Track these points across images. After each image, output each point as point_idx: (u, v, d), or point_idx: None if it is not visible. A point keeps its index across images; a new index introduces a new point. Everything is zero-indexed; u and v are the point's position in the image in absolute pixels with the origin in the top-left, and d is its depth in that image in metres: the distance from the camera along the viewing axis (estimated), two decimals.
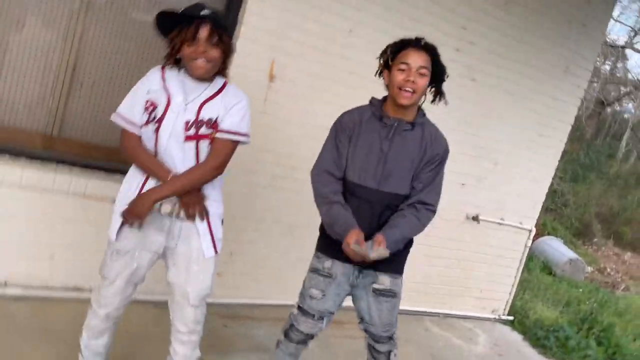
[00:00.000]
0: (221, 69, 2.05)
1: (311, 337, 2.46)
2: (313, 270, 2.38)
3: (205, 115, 1.99)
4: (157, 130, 1.97)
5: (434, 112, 2.34)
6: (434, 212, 2.28)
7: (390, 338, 2.42)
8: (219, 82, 2.06)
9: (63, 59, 2.98)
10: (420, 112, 2.26)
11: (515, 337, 4.72)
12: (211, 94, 2.03)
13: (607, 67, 21.81)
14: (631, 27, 19.08)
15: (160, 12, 1.98)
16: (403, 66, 2.13)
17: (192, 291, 2.13)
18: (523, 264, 4.92)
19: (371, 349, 2.46)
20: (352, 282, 2.34)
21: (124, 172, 3.12)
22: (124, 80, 3.14)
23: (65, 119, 3.08)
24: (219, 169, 2.05)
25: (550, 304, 5.94)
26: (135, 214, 1.97)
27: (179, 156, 2.00)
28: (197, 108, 1.99)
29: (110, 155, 3.18)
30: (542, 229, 11.82)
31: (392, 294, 2.34)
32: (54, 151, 3.04)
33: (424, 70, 2.13)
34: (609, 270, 13.52)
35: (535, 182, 4.78)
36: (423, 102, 2.27)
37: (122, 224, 2.05)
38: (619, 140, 25.74)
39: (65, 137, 3.09)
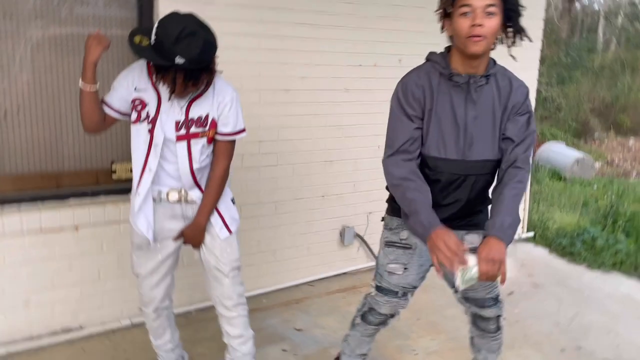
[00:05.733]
0: None
1: (392, 316, 2.19)
2: (389, 243, 2.09)
3: (194, 114, 2.01)
4: (151, 130, 2.00)
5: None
6: (529, 171, 1.94)
7: (496, 300, 2.11)
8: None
9: None
10: (490, 61, 1.90)
11: (540, 252, 4.49)
12: (199, 92, 2.01)
13: None
14: None
15: (130, 41, 1.88)
16: (465, 9, 1.75)
17: (225, 263, 2.20)
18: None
19: (476, 318, 2.17)
20: None
21: (79, 195, 2.89)
22: (56, 99, 2.82)
23: (0, 156, 2.77)
24: (229, 168, 2.15)
25: (567, 209, 5.69)
26: (196, 244, 2.18)
27: (173, 156, 2.05)
28: (185, 107, 2.00)
29: (59, 181, 2.90)
30: (541, 138, 11.57)
31: None
32: None
33: (492, 9, 1.74)
34: (617, 161, 13.39)
35: None
36: (495, 47, 1.88)
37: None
38: (595, 32, 25.35)
39: (6, 175, 2.79)
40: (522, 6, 1.83)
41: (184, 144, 2.03)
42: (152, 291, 2.25)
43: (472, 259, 1.75)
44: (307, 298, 3.46)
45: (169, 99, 1.97)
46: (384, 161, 1.94)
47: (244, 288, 2.32)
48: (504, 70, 1.94)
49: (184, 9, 1.95)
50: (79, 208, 2.83)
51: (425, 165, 1.93)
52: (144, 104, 2.00)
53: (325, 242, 3.73)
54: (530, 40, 1.88)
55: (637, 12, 25.80)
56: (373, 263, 2.17)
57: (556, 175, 7.99)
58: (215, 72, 1.98)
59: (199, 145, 2.06)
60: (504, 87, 1.90)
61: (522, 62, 4.59)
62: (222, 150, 2.12)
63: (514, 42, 1.86)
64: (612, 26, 25.43)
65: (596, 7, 26.60)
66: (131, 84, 2.01)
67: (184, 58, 1.82)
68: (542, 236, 4.67)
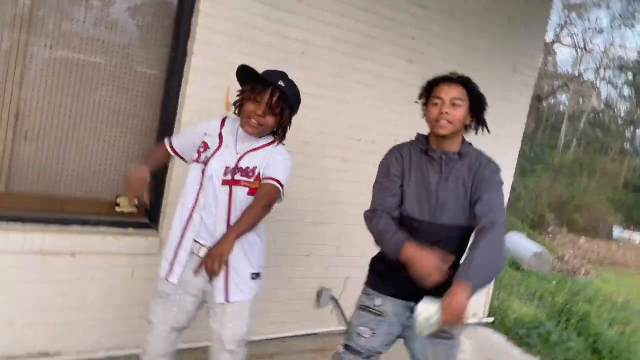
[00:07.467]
0: (273, 130, 2.24)
1: None
2: (362, 307, 2.30)
3: (243, 163, 2.15)
4: (203, 170, 2.15)
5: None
6: (503, 225, 2.04)
7: None
8: (268, 137, 2.24)
9: (3, 108, 2.77)
10: (465, 142, 2.25)
11: (499, 338, 4.71)
12: (257, 146, 2.20)
13: (539, 63, 22.93)
14: (557, 23, 20.06)
15: (243, 65, 2.16)
16: (436, 100, 2.17)
17: (227, 335, 2.22)
18: None
19: None
20: (404, 322, 2.25)
21: (82, 222, 2.98)
22: (71, 126, 2.96)
23: (12, 173, 2.86)
24: (268, 208, 2.11)
25: (525, 300, 5.99)
26: (218, 263, 1.98)
27: (214, 198, 2.14)
28: (239, 156, 2.17)
29: (64, 206, 2.98)
30: None
31: (449, 336, 2.20)
32: (3, 208, 2.81)
33: (457, 101, 2.14)
34: (567, 257, 13.91)
35: None
36: (464, 131, 2.25)
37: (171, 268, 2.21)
38: (557, 131, 26.86)
39: (14, 192, 2.87)
40: (485, 103, 2.22)
41: (226, 189, 2.13)
42: (156, 343, 2.27)
43: (434, 306, 1.84)
44: (279, 354, 3.54)
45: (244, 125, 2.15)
46: (365, 212, 2.23)
47: None
48: (480, 152, 2.26)
49: None
50: (80, 235, 2.90)
51: (403, 224, 2.17)
52: (206, 147, 2.20)
53: (302, 301, 3.85)
54: (489, 132, 2.26)
55: (598, 120, 27.53)
56: (343, 327, 2.35)
57: (514, 265, 8.36)
58: (287, 129, 2.24)
59: (241, 195, 2.13)
60: (475, 163, 2.20)
61: (504, 156, 4.97)
62: (262, 190, 2.10)
63: (476, 130, 2.25)
64: (574, 128, 27.01)
65: (561, 108, 28.32)
66: (203, 131, 2.26)
67: (284, 83, 2.14)
68: (502, 323, 4.90)
